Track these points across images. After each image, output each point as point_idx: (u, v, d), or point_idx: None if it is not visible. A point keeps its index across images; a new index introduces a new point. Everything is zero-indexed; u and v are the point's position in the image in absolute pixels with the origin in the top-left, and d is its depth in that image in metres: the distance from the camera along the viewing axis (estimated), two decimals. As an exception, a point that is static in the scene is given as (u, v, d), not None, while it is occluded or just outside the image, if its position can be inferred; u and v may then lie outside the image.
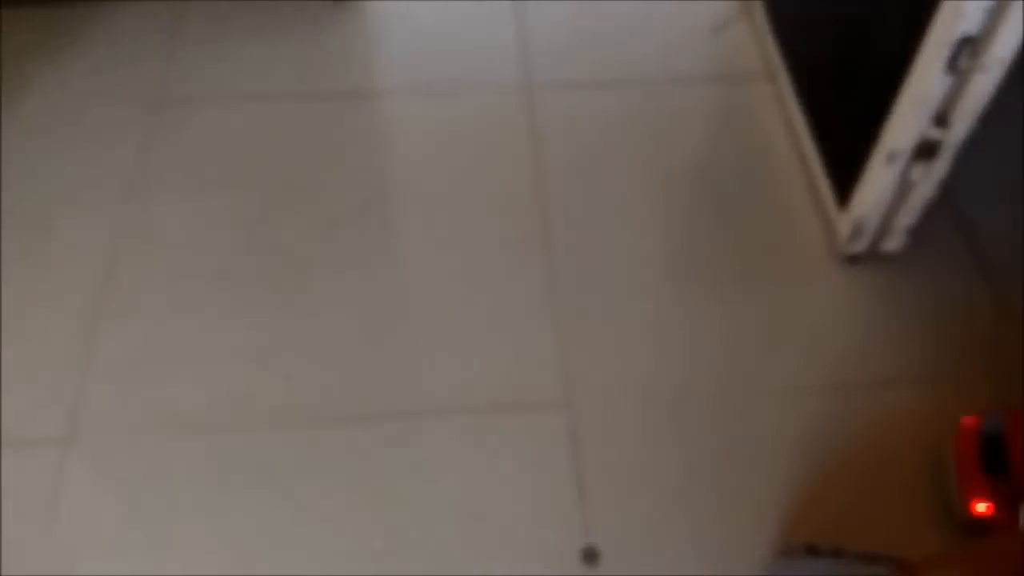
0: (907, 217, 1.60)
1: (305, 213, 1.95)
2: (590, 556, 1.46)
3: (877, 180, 1.53)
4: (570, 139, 2.07)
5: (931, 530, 1.42)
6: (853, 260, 1.70)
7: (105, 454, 1.58)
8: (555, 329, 1.71)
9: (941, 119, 1.39)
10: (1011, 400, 1.50)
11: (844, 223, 1.67)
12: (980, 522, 1.32)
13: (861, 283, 1.71)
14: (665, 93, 2.19)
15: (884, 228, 1.61)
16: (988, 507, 1.31)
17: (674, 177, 2.00)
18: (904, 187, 1.53)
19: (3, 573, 1.47)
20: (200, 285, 1.83)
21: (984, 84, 1.32)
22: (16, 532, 1.49)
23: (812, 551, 1.33)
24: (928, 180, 1.51)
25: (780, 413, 1.58)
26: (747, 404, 1.59)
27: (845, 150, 1.69)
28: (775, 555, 1.40)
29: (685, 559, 1.43)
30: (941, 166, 1.48)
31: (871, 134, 1.53)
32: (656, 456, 1.55)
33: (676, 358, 1.66)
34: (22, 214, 1.91)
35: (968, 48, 1.27)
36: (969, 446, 1.36)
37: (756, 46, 2.23)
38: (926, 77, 1.34)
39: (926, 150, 1.45)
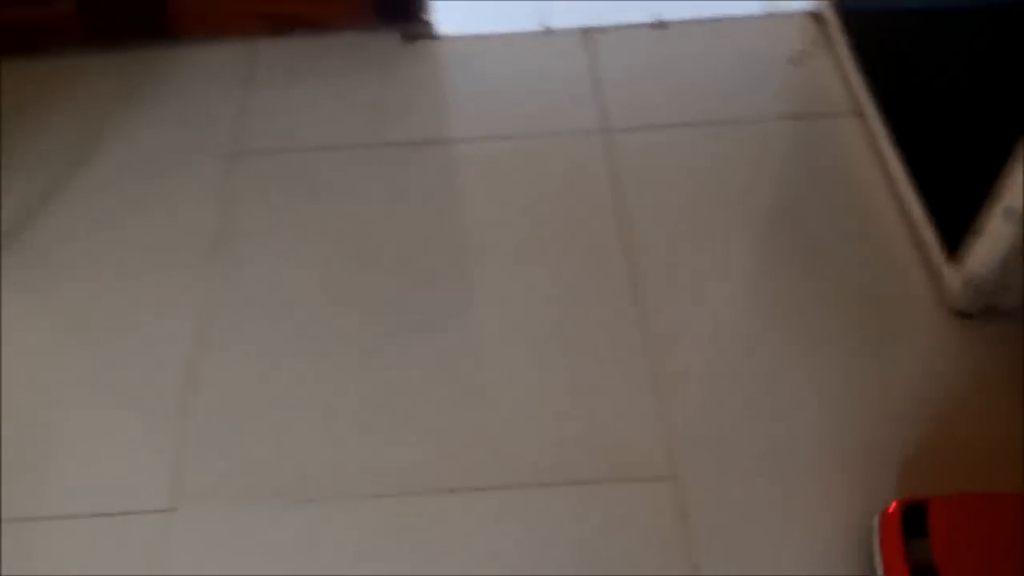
0: (1027, 274, 1.53)
1: (390, 270, 1.91)
2: None
3: (995, 235, 1.47)
4: (651, 183, 2.02)
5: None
6: (965, 316, 1.64)
7: (206, 525, 1.58)
8: (653, 392, 1.67)
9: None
10: None
11: (955, 277, 1.61)
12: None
13: (974, 340, 1.64)
14: (745, 131, 2.13)
15: (1002, 284, 1.55)
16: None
17: (762, 221, 1.95)
18: (1025, 244, 1.47)
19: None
20: (290, 345, 1.80)
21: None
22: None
23: None
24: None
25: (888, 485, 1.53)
26: (859, 474, 1.54)
27: (952, 197, 1.63)
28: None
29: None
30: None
31: (985, 185, 1.47)
32: (766, 528, 1.50)
33: (782, 421, 1.61)
34: (105, 273, 1.91)
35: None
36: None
37: (839, 78, 2.16)
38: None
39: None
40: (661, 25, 2.36)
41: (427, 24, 2.35)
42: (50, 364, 1.79)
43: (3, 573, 1.37)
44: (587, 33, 2.34)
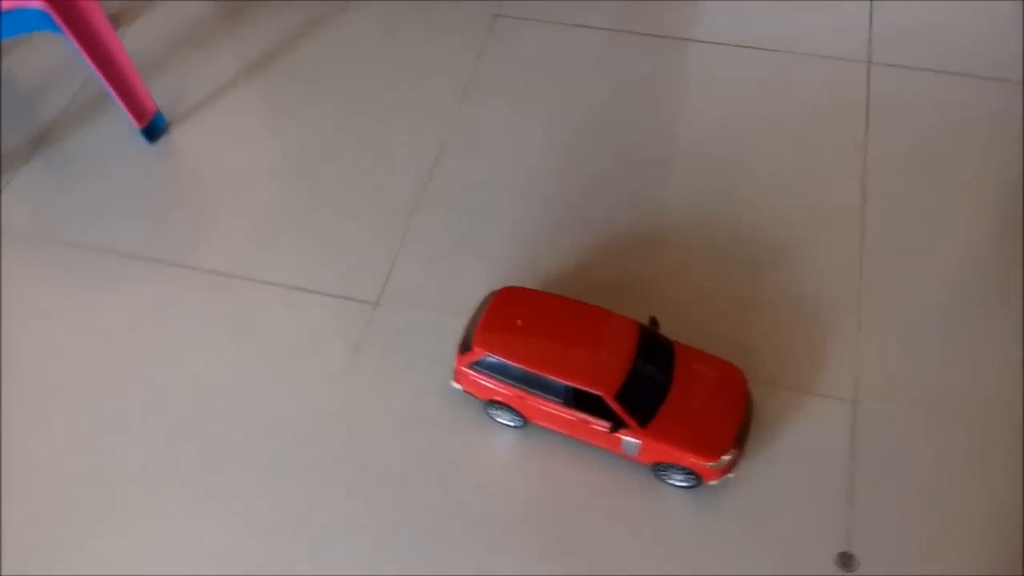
0: None
1: (613, 146, 2.00)
2: (846, 561, 1.44)
3: None
4: (902, 121, 1.98)
5: None
6: None
7: (400, 325, 1.75)
8: (856, 320, 1.67)
9: None
10: None
11: None
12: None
13: None
14: (1008, 93, 2.01)
15: None
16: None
17: (1007, 185, 1.85)
18: None
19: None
20: (510, 194, 1.94)
21: None
22: (321, 374, 1.71)
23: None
24: None
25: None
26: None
27: None
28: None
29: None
30: None
31: None
32: (941, 479, 1.49)
33: (983, 380, 1.57)
34: (366, 102, 2.12)
35: None
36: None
37: None
38: None
39: None
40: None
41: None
42: (325, 139, 2.04)
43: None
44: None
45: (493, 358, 1.52)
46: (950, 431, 1.52)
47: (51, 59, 2.18)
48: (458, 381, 1.60)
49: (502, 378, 1.55)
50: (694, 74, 2.13)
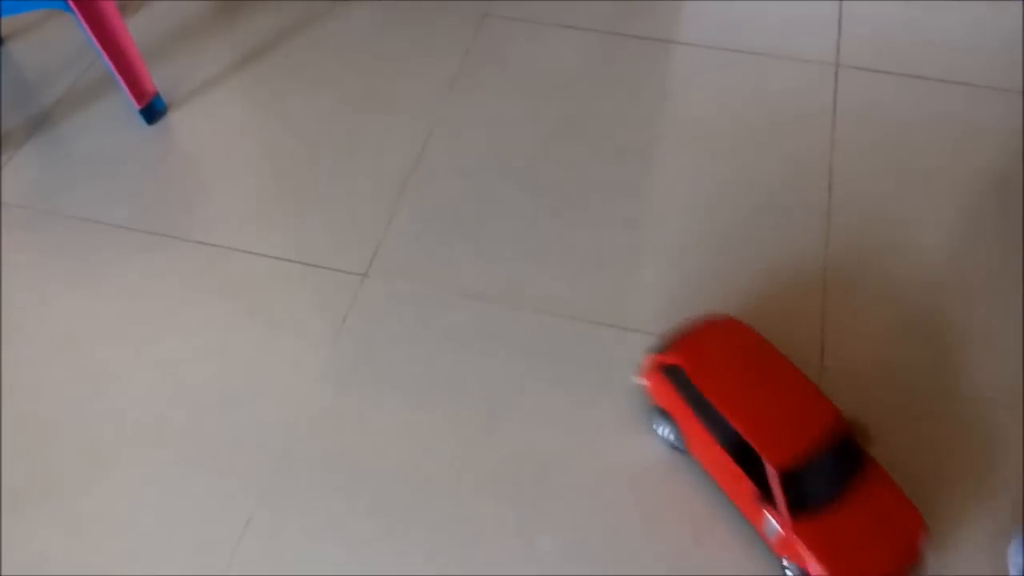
0: None
1: (595, 137, 2.08)
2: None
3: None
4: (869, 123, 2.05)
5: None
6: None
7: (388, 295, 1.80)
8: (821, 293, 1.74)
9: None
10: None
11: None
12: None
13: None
14: (973, 97, 2.10)
15: None
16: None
17: (970, 188, 1.94)
18: None
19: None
20: (494, 180, 2.01)
21: None
22: (310, 341, 1.75)
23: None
24: None
25: None
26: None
27: None
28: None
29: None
30: None
31: None
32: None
33: (927, 361, 1.65)
34: (357, 92, 2.16)
35: None
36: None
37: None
38: None
39: None
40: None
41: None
42: (317, 125, 2.07)
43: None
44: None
45: (684, 372, 1.46)
46: (896, 403, 1.56)
47: (54, 45, 2.26)
48: (643, 377, 1.55)
49: (684, 394, 1.47)
50: (678, 73, 2.22)
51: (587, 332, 1.77)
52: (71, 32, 2.28)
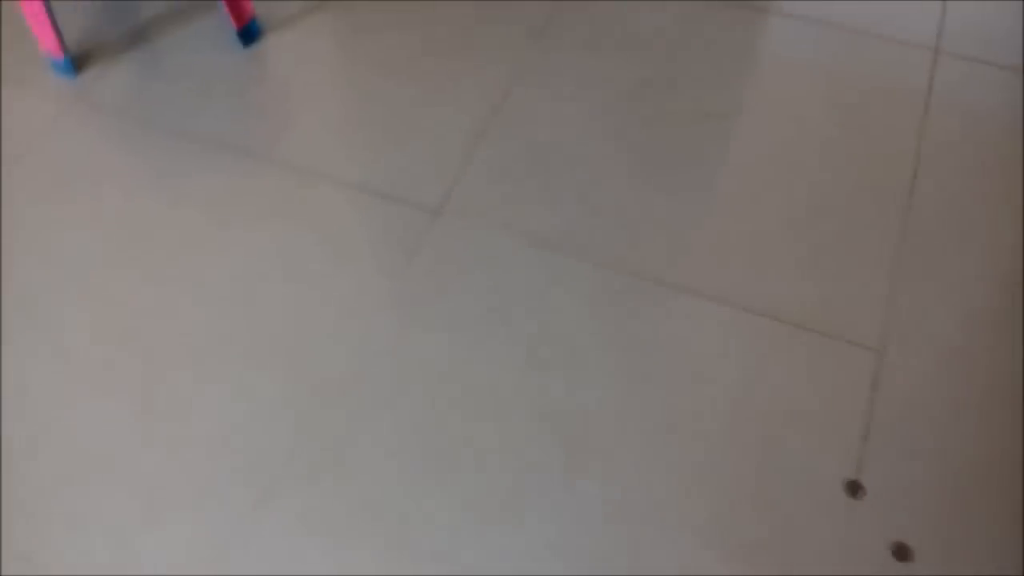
0: None
1: (681, 100, 2.06)
2: (853, 489, 1.49)
3: None
4: (963, 113, 1.99)
5: None
6: None
7: (460, 236, 1.83)
8: (891, 279, 1.71)
9: None
10: None
11: None
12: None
13: None
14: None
15: None
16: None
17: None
18: None
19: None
20: (574, 133, 1.99)
21: None
22: (376, 272, 1.78)
23: None
24: None
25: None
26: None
27: None
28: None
29: (947, 529, 1.42)
30: None
31: None
32: (952, 429, 1.52)
33: (1002, 349, 1.61)
34: (445, 33, 2.17)
35: None
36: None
37: None
38: None
39: None
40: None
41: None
42: (405, 62, 2.07)
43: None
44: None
45: None
46: (965, 386, 1.52)
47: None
48: None
49: None
50: (771, 43, 2.18)
51: (657, 292, 1.76)
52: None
